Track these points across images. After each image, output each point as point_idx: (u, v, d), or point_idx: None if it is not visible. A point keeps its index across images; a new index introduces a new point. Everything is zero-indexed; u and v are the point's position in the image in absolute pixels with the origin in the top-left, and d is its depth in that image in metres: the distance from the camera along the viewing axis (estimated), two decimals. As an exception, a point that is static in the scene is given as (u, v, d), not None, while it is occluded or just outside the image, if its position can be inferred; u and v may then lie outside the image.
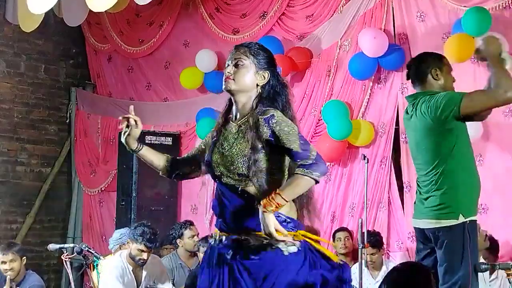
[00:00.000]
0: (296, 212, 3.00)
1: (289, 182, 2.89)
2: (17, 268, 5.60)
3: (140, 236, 5.25)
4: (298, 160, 2.85)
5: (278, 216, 2.86)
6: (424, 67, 3.97)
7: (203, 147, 3.21)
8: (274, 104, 2.98)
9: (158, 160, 3.25)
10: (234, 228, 2.95)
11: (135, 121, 3.09)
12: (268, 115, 2.90)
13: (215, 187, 3.07)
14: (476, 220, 3.84)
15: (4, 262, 5.57)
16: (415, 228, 4.03)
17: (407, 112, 4.06)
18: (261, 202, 2.82)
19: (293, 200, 2.94)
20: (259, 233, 2.86)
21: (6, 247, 5.65)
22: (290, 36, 6.63)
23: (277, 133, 2.88)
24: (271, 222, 2.80)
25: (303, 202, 3.01)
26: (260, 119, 2.91)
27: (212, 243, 3.04)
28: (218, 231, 3.02)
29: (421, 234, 3.96)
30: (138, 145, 3.16)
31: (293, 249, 2.88)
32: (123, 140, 3.12)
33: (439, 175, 3.82)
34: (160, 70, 7.67)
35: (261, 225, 2.82)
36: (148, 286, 5.26)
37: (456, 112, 3.72)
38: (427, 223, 3.86)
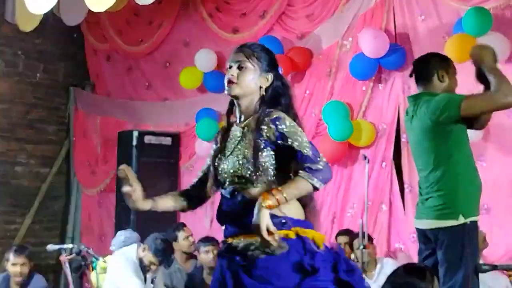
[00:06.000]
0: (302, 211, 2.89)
1: (290, 182, 2.78)
2: (25, 272, 5.46)
3: (160, 251, 5.27)
4: (307, 163, 2.76)
5: (275, 217, 2.73)
6: (430, 68, 3.97)
7: (209, 163, 3.08)
8: (277, 106, 2.89)
9: (175, 202, 3.09)
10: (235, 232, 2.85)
11: (130, 185, 2.88)
12: (274, 117, 2.81)
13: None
14: (476, 221, 3.83)
15: (15, 265, 5.42)
16: (416, 228, 4.04)
17: (407, 113, 4.06)
18: (262, 195, 2.70)
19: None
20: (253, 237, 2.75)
21: (19, 250, 5.52)
22: (290, 36, 6.60)
23: (286, 134, 2.79)
24: (265, 218, 2.65)
25: (307, 200, 2.90)
26: (265, 120, 2.82)
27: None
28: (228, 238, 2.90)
29: (422, 235, 3.96)
30: (151, 204, 2.99)
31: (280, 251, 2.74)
32: (132, 207, 2.93)
33: (439, 176, 3.82)
34: (160, 70, 7.64)
35: (254, 217, 2.67)
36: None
37: (455, 114, 3.72)
38: (428, 224, 3.87)
